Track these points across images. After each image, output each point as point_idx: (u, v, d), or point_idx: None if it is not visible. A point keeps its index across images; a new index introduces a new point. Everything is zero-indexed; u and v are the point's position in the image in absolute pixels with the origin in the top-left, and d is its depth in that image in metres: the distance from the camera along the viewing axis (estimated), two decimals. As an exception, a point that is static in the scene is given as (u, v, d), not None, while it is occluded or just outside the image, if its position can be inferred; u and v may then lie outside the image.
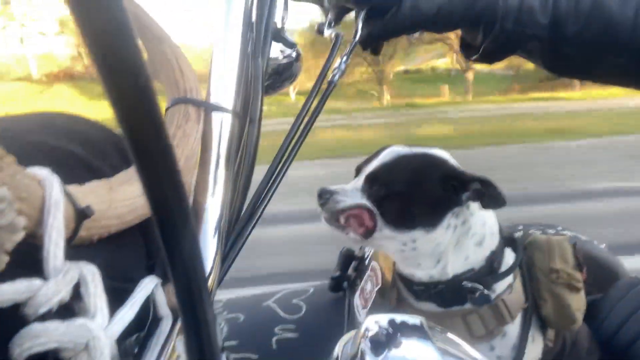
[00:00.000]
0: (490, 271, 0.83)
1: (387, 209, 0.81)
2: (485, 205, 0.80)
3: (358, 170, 0.89)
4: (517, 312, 0.83)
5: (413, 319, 0.42)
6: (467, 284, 0.81)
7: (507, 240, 0.88)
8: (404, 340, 0.40)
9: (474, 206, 0.83)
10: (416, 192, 0.81)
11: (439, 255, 0.83)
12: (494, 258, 0.84)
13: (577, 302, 0.84)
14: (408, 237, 0.82)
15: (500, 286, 0.83)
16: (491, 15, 0.60)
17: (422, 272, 0.84)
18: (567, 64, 0.64)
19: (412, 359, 0.39)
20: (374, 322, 0.42)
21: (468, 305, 0.82)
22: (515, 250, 0.87)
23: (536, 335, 0.87)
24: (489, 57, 0.64)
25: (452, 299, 0.83)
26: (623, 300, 1.01)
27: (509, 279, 0.84)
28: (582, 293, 0.86)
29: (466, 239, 0.83)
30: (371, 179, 0.83)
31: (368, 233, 0.83)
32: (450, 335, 0.44)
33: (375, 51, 0.67)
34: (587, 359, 0.94)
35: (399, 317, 0.42)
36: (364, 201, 0.83)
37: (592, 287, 1.14)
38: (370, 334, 0.41)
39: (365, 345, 0.40)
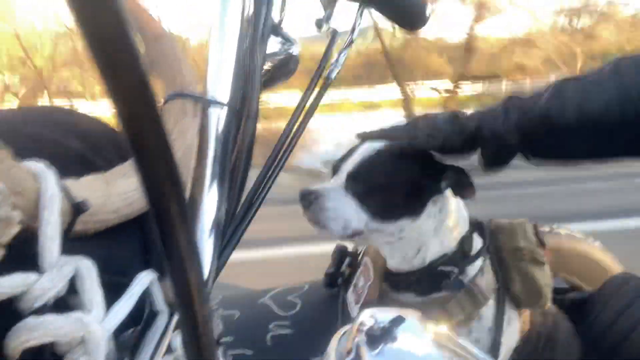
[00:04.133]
0: (462, 255, 0.86)
1: (372, 203, 0.83)
2: (457, 192, 0.84)
3: (335, 169, 0.89)
4: (489, 293, 0.86)
5: (409, 313, 0.42)
6: (444, 268, 0.84)
7: (474, 225, 0.91)
8: (400, 334, 0.40)
9: (448, 193, 0.85)
10: (398, 183, 0.83)
11: (422, 243, 0.85)
12: (465, 242, 0.87)
13: (543, 277, 0.88)
14: (395, 227, 0.84)
15: (471, 270, 0.86)
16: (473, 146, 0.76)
17: (407, 261, 0.87)
18: (549, 161, 0.75)
19: (408, 353, 0.39)
20: (369, 316, 0.42)
21: (445, 292, 0.84)
22: (482, 234, 0.91)
23: (512, 318, 0.90)
24: (492, 169, 0.77)
25: (430, 286, 0.85)
26: (615, 296, 1.02)
27: (479, 263, 0.87)
28: (547, 268, 0.89)
29: (443, 224, 0.86)
30: (353, 177, 0.84)
31: (356, 233, 0.84)
32: (445, 329, 0.44)
33: None
34: (564, 353, 0.95)
35: (394, 312, 0.42)
36: (353, 212, 0.83)
37: (585, 284, 1.15)
38: (366, 328, 0.41)
39: (361, 339, 0.40)
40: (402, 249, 0.86)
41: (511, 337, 0.90)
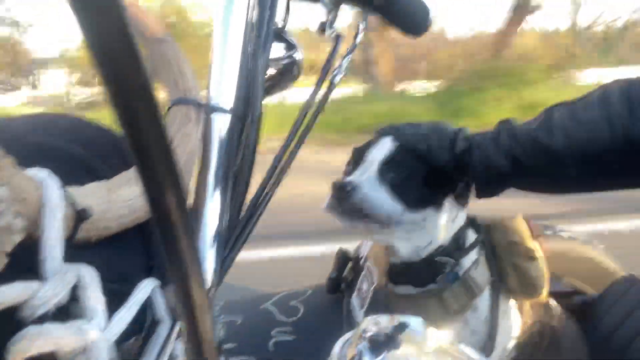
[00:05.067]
0: (456, 247, 0.88)
1: (406, 193, 0.83)
2: (459, 199, 0.87)
3: (358, 158, 0.89)
4: (484, 285, 0.88)
5: (412, 320, 0.42)
6: (442, 259, 0.86)
7: (468, 219, 0.93)
8: (403, 341, 0.40)
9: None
10: (426, 173, 0.84)
11: (435, 234, 0.87)
12: (460, 235, 0.89)
13: (536, 270, 0.89)
14: (420, 216, 0.85)
15: (466, 262, 0.88)
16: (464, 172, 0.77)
17: (417, 252, 0.88)
18: (541, 189, 0.77)
19: (411, 360, 0.39)
20: (372, 323, 0.42)
21: (441, 284, 0.86)
22: (476, 229, 0.93)
23: (508, 309, 0.91)
24: (484, 194, 0.78)
25: (426, 278, 0.87)
26: (620, 299, 1.02)
27: (473, 255, 0.89)
28: (540, 262, 0.90)
29: (449, 216, 0.88)
30: (387, 167, 0.84)
31: (389, 220, 0.83)
32: (448, 336, 0.44)
33: None
34: (570, 353, 0.96)
35: (398, 318, 0.42)
36: (391, 202, 0.83)
37: (589, 287, 1.15)
38: (369, 334, 0.41)
39: (364, 346, 0.40)
40: (418, 239, 0.87)
41: (508, 328, 0.91)
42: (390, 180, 0.83)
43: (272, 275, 2.51)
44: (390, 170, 0.84)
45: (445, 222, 0.88)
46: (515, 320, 0.93)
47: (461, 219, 0.91)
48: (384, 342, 0.40)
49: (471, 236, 0.91)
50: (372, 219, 0.82)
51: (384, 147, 0.86)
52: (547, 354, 0.95)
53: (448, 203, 0.87)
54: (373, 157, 0.86)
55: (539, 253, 0.90)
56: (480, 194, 0.77)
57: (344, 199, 0.81)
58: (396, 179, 0.83)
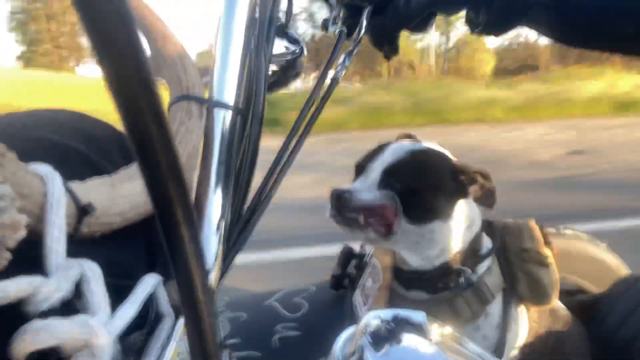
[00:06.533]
0: (472, 254, 0.87)
1: (408, 204, 0.81)
2: (480, 201, 0.83)
3: (361, 168, 0.88)
4: (497, 292, 0.87)
5: (414, 315, 0.42)
6: (457, 267, 0.85)
7: (484, 224, 0.91)
8: (406, 335, 0.40)
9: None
10: (433, 186, 0.83)
11: (446, 243, 0.85)
12: (476, 241, 0.88)
13: (548, 277, 0.88)
14: (427, 229, 0.83)
15: (481, 268, 0.87)
16: None
17: (428, 261, 0.86)
18: (574, 32, 0.58)
19: (413, 354, 0.39)
20: (374, 318, 0.42)
21: (454, 290, 0.85)
22: (491, 234, 0.91)
23: (518, 315, 0.90)
24: (493, 29, 0.59)
25: (441, 284, 0.85)
26: (624, 297, 1.01)
27: (488, 262, 0.87)
28: (552, 268, 0.89)
29: (462, 224, 0.86)
30: (388, 177, 0.82)
31: (390, 231, 0.82)
32: (451, 330, 0.44)
33: (393, 50, 0.64)
34: (575, 356, 0.95)
35: (400, 313, 0.42)
36: (388, 197, 0.81)
37: (592, 286, 1.14)
38: (371, 329, 0.41)
39: (365, 341, 0.40)
40: (427, 249, 0.85)
41: (518, 334, 0.90)
42: (393, 191, 0.81)
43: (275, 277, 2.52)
44: (392, 183, 0.82)
45: (458, 230, 0.86)
46: (523, 326, 0.91)
47: (477, 225, 0.89)
48: (385, 336, 0.40)
49: (486, 242, 0.89)
50: (371, 228, 0.81)
51: (387, 157, 0.84)
52: (552, 356, 0.94)
53: (462, 210, 0.85)
54: (375, 166, 0.84)
55: (551, 260, 0.88)
56: (489, 27, 0.58)
57: (342, 207, 0.80)
58: (400, 190, 0.81)
